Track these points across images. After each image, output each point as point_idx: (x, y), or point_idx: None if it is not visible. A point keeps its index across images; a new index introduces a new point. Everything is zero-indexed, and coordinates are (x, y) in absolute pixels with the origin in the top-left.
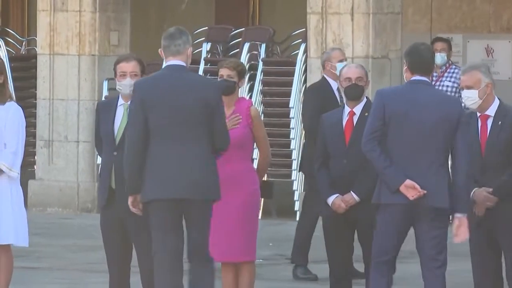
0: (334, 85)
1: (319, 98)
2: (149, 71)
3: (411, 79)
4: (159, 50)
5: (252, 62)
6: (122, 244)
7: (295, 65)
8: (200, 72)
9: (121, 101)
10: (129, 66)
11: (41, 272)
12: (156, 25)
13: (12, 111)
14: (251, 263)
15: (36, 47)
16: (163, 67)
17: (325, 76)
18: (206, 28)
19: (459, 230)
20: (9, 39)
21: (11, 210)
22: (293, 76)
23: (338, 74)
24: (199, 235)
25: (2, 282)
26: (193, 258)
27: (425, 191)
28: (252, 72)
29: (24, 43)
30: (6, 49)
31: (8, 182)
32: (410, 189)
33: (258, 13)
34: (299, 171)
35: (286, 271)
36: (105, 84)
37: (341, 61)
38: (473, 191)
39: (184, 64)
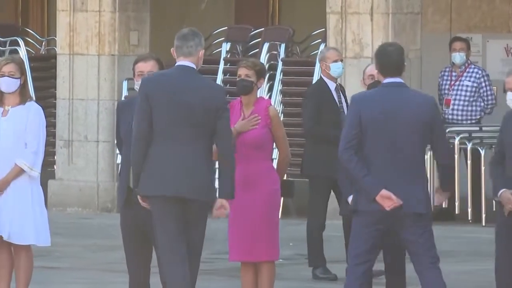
0: (331, 85)
1: (317, 99)
2: None
3: (383, 82)
4: (172, 49)
5: (272, 62)
6: (142, 245)
7: (314, 65)
8: (220, 72)
9: None
10: (147, 66)
11: (61, 271)
12: (176, 24)
13: (33, 110)
14: (271, 262)
15: (55, 47)
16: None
17: (322, 76)
18: (226, 28)
19: (436, 198)
20: (29, 39)
21: (31, 210)
22: (312, 76)
23: (332, 74)
24: (196, 235)
25: (22, 281)
26: (189, 258)
27: (401, 202)
28: (271, 72)
29: (43, 43)
30: (26, 49)
31: (29, 182)
32: (386, 200)
33: (278, 13)
34: (300, 173)
35: (306, 270)
36: (125, 84)
37: (335, 61)
38: (500, 191)
39: (194, 66)
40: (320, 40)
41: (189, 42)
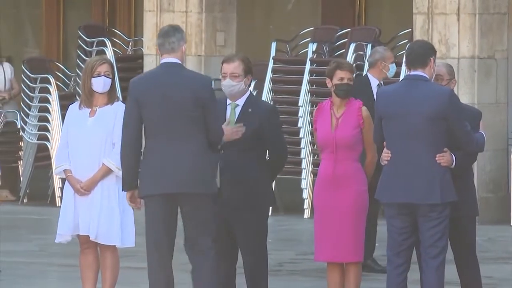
0: (374, 82)
1: (358, 95)
2: (254, 71)
3: (406, 75)
4: (156, 47)
5: (358, 62)
6: (226, 244)
7: (401, 66)
8: (306, 72)
9: (228, 100)
10: (229, 68)
11: (146, 272)
12: (262, 25)
13: (121, 111)
14: (358, 263)
15: (142, 47)
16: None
17: (368, 74)
18: (312, 28)
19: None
20: (115, 40)
21: (118, 210)
22: (399, 76)
23: (389, 75)
24: (194, 228)
25: (108, 281)
26: (189, 251)
27: None
28: (358, 72)
29: (130, 44)
30: (113, 49)
31: (115, 182)
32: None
33: (364, 13)
34: None
35: None
36: (211, 84)
37: (393, 62)
38: None
39: (179, 62)
40: (406, 40)
41: (171, 38)
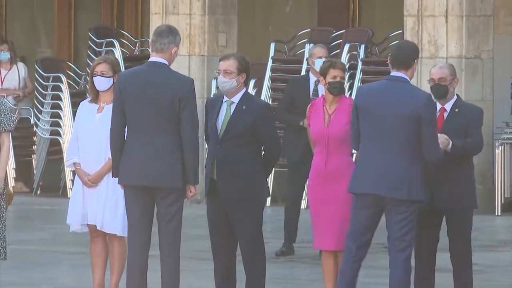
0: (312, 79)
1: (292, 89)
2: (254, 70)
3: (388, 75)
4: (150, 43)
5: (352, 62)
6: (227, 233)
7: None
8: (303, 71)
9: (225, 97)
10: (224, 65)
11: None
12: (262, 27)
13: None
14: None
15: (148, 48)
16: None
17: (310, 72)
18: (309, 30)
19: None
20: (123, 41)
21: (122, 201)
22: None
23: (316, 69)
24: (163, 222)
25: (116, 269)
26: (161, 247)
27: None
28: (351, 71)
29: (137, 44)
30: (121, 50)
31: None
32: None
33: (358, 16)
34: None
35: (384, 259)
36: (214, 82)
37: (320, 57)
38: None
39: (165, 62)
40: (397, 41)
41: (163, 39)
